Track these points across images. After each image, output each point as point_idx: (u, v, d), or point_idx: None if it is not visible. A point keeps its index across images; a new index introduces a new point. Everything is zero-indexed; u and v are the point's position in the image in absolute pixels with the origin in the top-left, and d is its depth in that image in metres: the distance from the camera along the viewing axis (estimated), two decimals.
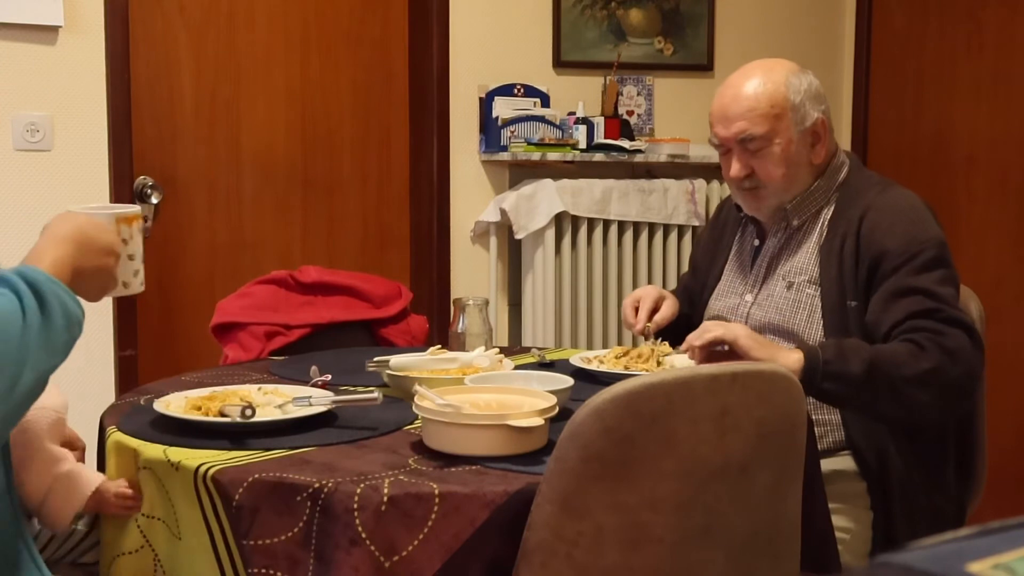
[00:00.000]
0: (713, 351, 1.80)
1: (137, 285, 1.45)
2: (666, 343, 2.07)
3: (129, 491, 1.55)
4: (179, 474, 1.46)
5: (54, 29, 2.91)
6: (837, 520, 1.78)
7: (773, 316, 2.02)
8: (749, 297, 2.10)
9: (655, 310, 2.15)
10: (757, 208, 2.09)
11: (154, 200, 3.14)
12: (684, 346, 1.86)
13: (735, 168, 2.03)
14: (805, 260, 2.03)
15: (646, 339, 2.12)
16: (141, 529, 1.53)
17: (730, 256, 2.21)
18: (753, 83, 2.01)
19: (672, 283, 3.56)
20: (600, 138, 3.50)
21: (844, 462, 1.95)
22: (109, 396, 2.93)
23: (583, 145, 3.45)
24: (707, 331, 1.82)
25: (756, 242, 2.15)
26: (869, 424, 1.92)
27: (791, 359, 1.77)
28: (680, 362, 1.96)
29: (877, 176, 2.10)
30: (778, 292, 2.04)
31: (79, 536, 1.72)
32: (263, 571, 1.36)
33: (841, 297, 1.94)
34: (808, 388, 1.74)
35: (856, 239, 1.94)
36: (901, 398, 1.79)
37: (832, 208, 2.03)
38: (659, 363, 1.98)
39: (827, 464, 1.92)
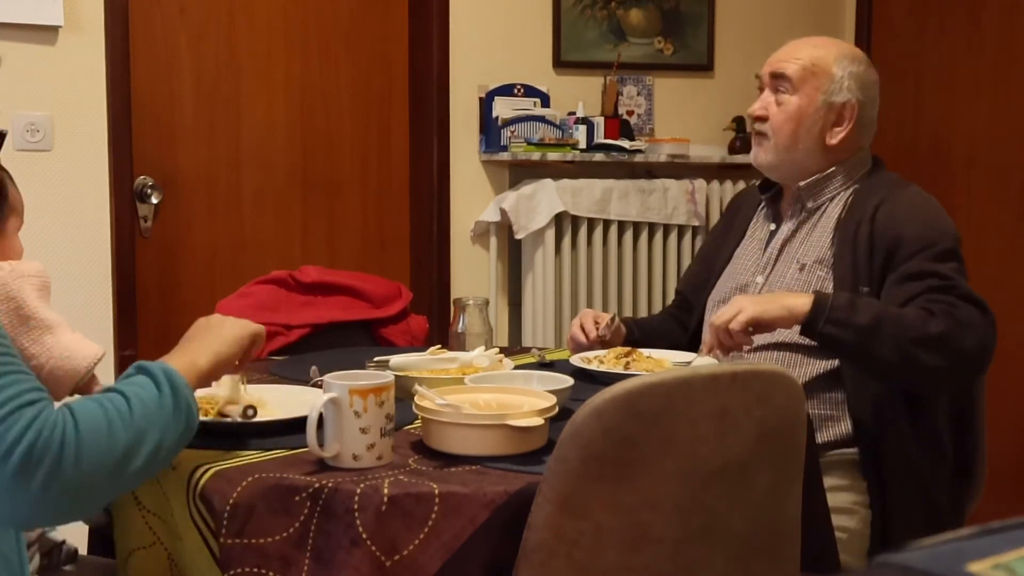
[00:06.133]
0: (743, 338, 1.82)
1: (371, 459, 1.43)
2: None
3: None
4: (175, 474, 1.46)
5: (54, 29, 2.91)
6: (837, 520, 1.78)
7: None
8: (760, 278, 2.11)
9: (597, 324, 2.14)
10: (756, 155, 2.13)
11: (154, 200, 3.14)
12: (704, 349, 1.88)
13: (757, 104, 2.11)
14: (819, 243, 2.04)
15: (604, 340, 2.09)
16: (149, 525, 1.52)
17: (743, 241, 2.22)
18: (813, 43, 2.10)
19: (672, 283, 3.56)
20: (600, 138, 3.50)
21: (844, 457, 1.95)
22: None
23: (583, 145, 3.45)
24: (715, 328, 1.83)
25: (772, 226, 2.16)
26: (871, 415, 1.91)
27: (800, 301, 1.81)
28: (674, 360, 1.97)
29: (897, 176, 2.12)
30: (790, 274, 2.05)
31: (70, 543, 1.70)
32: (255, 570, 1.35)
33: (854, 281, 1.94)
34: (811, 330, 1.79)
35: (871, 226, 1.96)
36: (906, 356, 1.78)
37: (850, 197, 2.05)
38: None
39: (827, 459, 1.92)
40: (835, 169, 2.07)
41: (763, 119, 2.08)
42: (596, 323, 2.13)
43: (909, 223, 1.94)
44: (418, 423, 1.58)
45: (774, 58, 2.11)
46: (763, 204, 2.20)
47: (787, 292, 1.91)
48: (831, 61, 2.05)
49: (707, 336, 1.89)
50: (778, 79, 2.07)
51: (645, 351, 2.03)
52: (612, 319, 2.15)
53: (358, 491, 1.34)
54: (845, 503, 1.92)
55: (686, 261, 3.58)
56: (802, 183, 2.07)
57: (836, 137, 2.05)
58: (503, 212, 3.39)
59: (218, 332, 1.51)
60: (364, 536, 1.32)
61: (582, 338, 2.12)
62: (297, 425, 1.55)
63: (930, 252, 1.89)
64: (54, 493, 1.16)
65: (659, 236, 3.58)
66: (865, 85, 2.07)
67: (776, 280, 2.07)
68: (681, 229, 3.60)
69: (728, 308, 1.84)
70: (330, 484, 1.36)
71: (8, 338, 1.24)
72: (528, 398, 1.59)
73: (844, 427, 1.96)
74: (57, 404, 1.24)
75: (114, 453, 1.21)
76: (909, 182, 2.09)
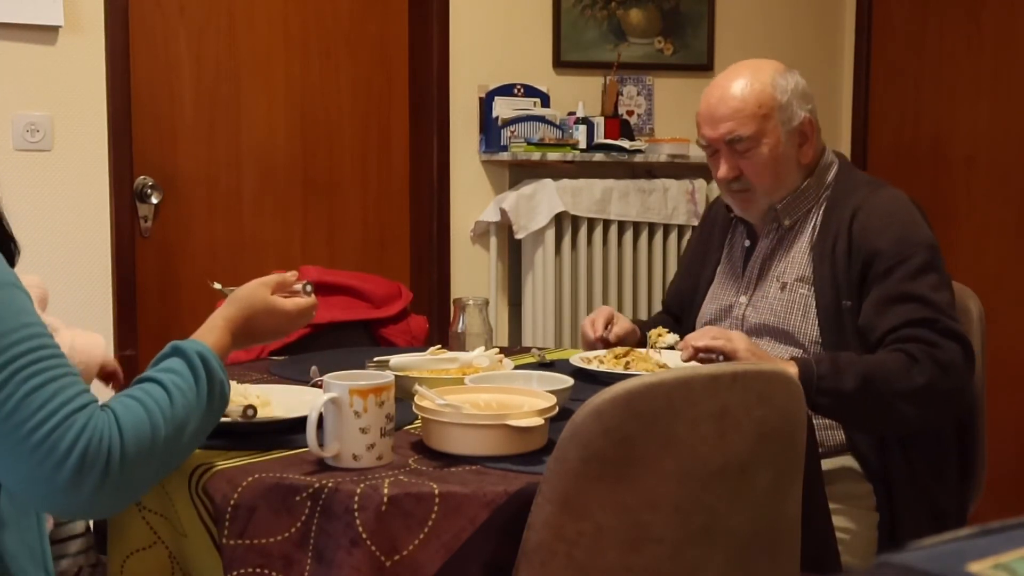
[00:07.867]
0: (707, 357, 1.81)
1: (371, 459, 1.43)
2: (671, 333, 2.05)
3: None
4: (176, 473, 1.45)
5: (54, 29, 2.91)
6: (839, 520, 1.78)
7: (768, 317, 2.02)
8: (743, 299, 2.09)
9: (608, 324, 2.13)
10: (746, 210, 2.08)
11: (154, 200, 3.14)
12: (682, 344, 1.87)
13: (723, 170, 2.03)
14: (798, 260, 2.02)
15: (606, 341, 2.10)
16: (149, 524, 1.52)
17: (721, 259, 2.20)
18: (740, 83, 2.00)
19: None
20: (600, 138, 3.50)
21: (849, 461, 1.95)
22: (109, 396, 2.93)
23: (583, 145, 3.45)
24: (709, 337, 1.82)
25: (747, 243, 2.14)
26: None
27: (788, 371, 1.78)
28: (673, 359, 1.97)
29: (866, 176, 2.10)
30: (772, 293, 2.03)
31: (76, 530, 1.70)
32: (257, 571, 1.36)
33: (835, 297, 1.94)
34: None
35: (848, 237, 1.94)
36: (890, 413, 1.81)
37: (823, 208, 2.03)
38: (654, 344, 1.98)
39: (833, 463, 1.92)
40: (808, 183, 2.04)
41: (737, 178, 2.03)
42: (608, 324, 2.12)
43: (884, 234, 1.91)
44: (418, 423, 1.58)
45: (714, 117, 2.01)
46: (735, 220, 2.18)
47: (772, 359, 1.86)
48: (771, 90, 1.99)
49: (687, 343, 1.86)
50: (734, 143, 2.00)
51: (645, 351, 2.04)
52: (610, 326, 2.13)
53: (358, 491, 1.34)
54: (847, 504, 1.92)
55: None
56: (779, 205, 2.04)
57: (808, 155, 2.03)
58: (503, 212, 3.39)
59: (274, 328, 1.55)
60: (364, 536, 1.32)
61: (589, 333, 2.12)
62: (297, 425, 1.55)
63: (906, 268, 1.87)
64: (104, 494, 1.22)
65: (659, 236, 3.58)
66: (806, 93, 2.03)
67: (759, 300, 2.06)
68: (681, 229, 3.60)
69: (725, 337, 1.81)
70: (330, 484, 1.36)
71: (53, 338, 1.27)
72: (528, 398, 1.59)
73: (844, 434, 1.95)
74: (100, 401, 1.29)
75: (156, 450, 1.27)
76: (882, 182, 2.06)
